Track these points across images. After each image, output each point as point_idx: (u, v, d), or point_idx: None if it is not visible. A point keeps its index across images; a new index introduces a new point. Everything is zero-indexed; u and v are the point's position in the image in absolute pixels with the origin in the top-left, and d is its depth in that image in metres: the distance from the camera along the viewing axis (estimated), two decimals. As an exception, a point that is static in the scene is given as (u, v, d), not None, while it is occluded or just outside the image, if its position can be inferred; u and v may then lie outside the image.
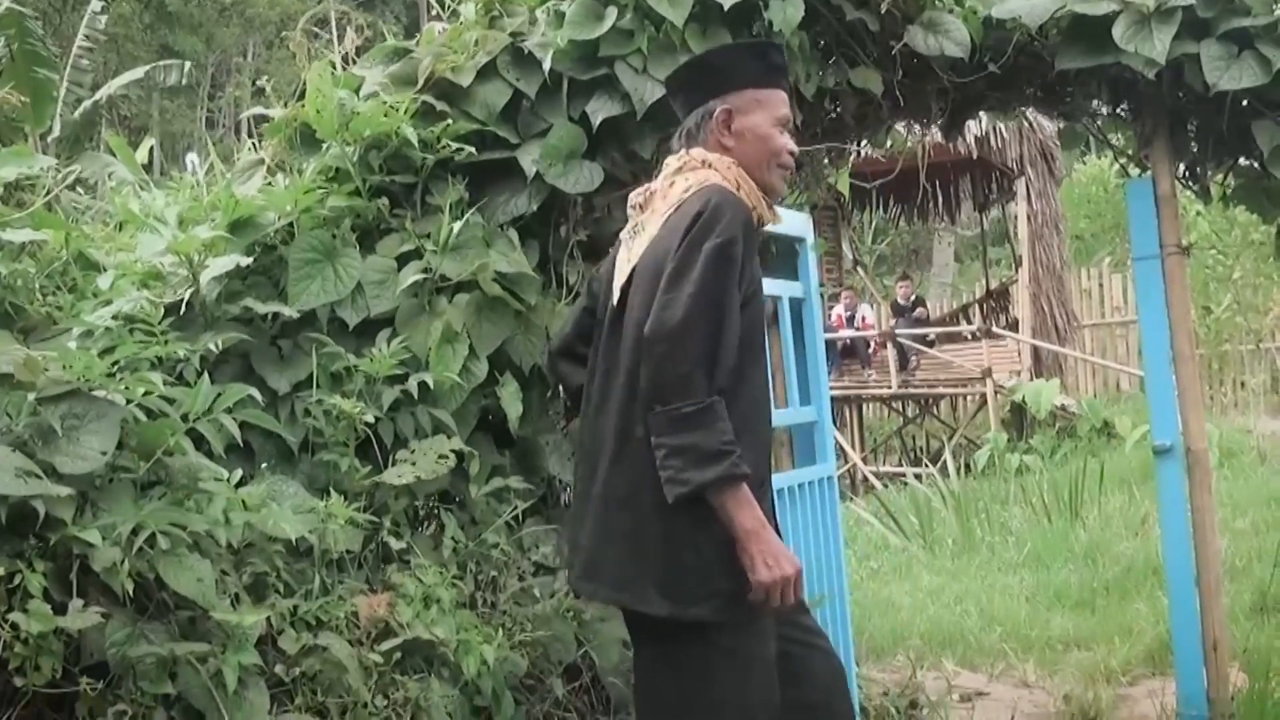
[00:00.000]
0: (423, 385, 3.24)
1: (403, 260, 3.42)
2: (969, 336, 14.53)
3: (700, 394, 2.39)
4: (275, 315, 3.29)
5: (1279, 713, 3.88)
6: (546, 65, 3.54)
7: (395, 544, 3.16)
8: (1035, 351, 13.96)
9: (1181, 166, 4.16)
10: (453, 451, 3.22)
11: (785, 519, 3.60)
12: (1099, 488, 8.71)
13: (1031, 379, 13.19)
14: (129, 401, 2.66)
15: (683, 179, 2.67)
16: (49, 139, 9.81)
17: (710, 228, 2.47)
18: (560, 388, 2.77)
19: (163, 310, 3.02)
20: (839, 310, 15.46)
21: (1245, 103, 3.77)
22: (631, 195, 2.81)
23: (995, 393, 13.16)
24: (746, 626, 2.50)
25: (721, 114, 2.71)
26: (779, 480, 3.59)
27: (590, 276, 2.90)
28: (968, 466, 11.63)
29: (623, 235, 2.79)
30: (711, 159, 2.68)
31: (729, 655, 2.49)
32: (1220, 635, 3.95)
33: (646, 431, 2.45)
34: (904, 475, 11.80)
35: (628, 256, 2.69)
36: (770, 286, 3.79)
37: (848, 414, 15.24)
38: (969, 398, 15.05)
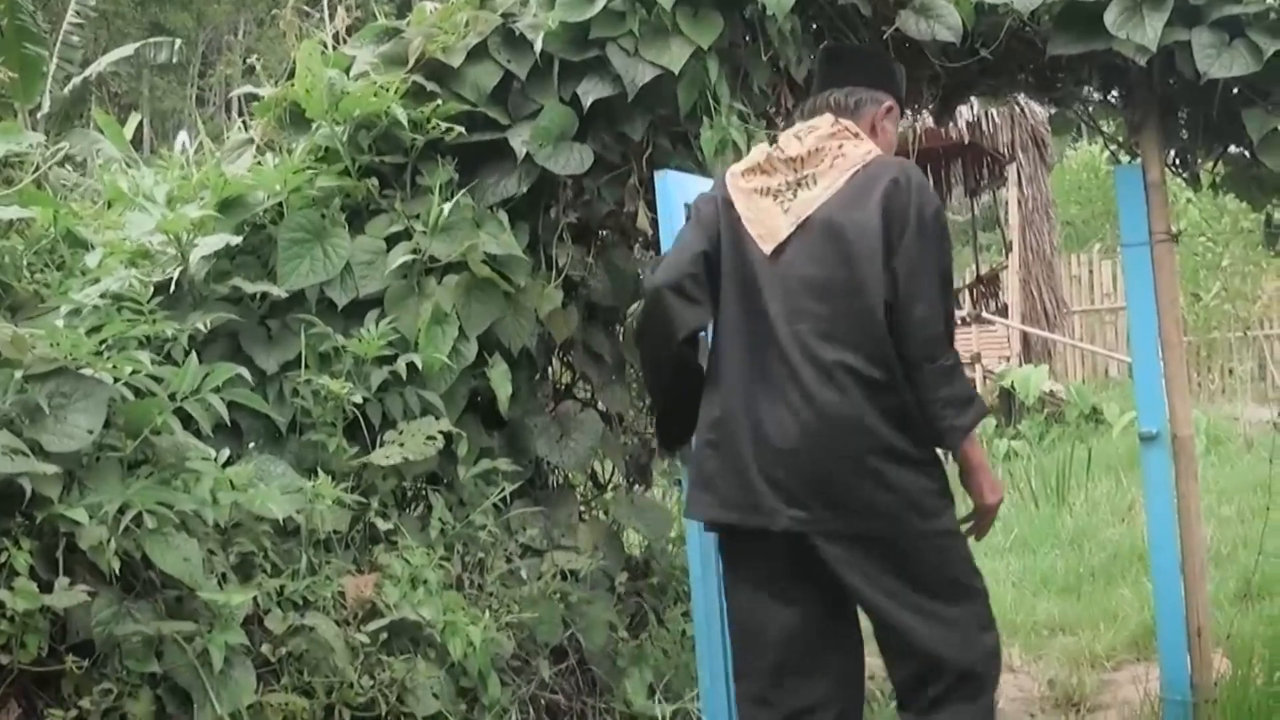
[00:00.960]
0: (411, 366, 3.24)
1: (392, 241, 3.41)
2: (958, 321, 14.55)
3: (950, 349, 2.75)
4: (264, 295, 3.28)
5: (1261, 698, 3.90)
6: (537, 46, 3.53)
7: (382, 525, 3.17)
8: (1024, 337, 13.98)
9: (1172, 153, 4.16)
10: (440, 433, 3.22)
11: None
12: (1086, 474, 8.73)
13: (1020, 364, 13.21)
14: (116, 380, 2.66)
15: (852, 145, 2.87)
16: (38, 115, 9.75)
17: (927, 196, 2.78)
18: (662, 323, 2.86)
19: (151, 289, 3.02)
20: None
21: (1236, 90, 3.77)
22: (771, 150, 2.93)
23: (984, 378, 13.17)
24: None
25: (888, 107, 3.00)
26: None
27: (701, 219, 2.93)
28: (956, 451, 11.59)
29: (758, 186, 2.90)
30: (864, 135, 2.91)
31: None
32: (1204, 621, 3.96)
33: (883, 378, 2.69)
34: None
35: (786, 207, 2.84)
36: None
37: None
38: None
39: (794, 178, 2.89)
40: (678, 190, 3.34)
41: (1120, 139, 4.35)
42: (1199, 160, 4.14)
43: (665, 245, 3.25)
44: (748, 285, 2.84)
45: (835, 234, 2.76)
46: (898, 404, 2.69)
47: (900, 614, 2.74)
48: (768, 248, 2.82)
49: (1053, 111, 4.56)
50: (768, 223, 2.85)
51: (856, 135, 2.89)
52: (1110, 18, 3.61)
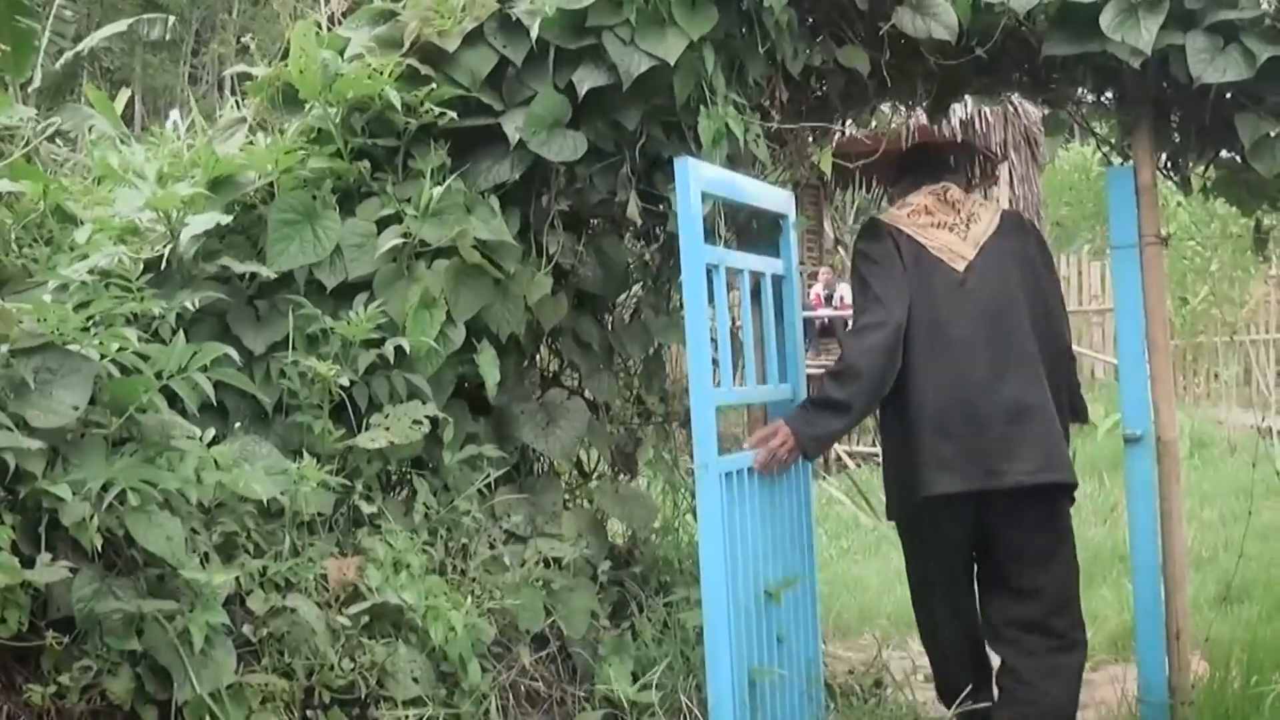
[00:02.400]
0: (399, 350, 3.24)
1: (382, 224, 3.41)
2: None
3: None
4: (253, 275, 3.27)
5: (1238, 701, 3.92)
6: (534, 33, 3.51)
7: (366, 508, 3.17)
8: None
9: (1163, 156, 4.17)
10: (426, 417, 3.22)
11: (758, 496, 3.61)
12: (1070, 474, 8.75)
13: (1007, 364, 13.24)
14: (103, 357, 2.66)
15: (986, 202, 4.16)
16: (29, 89, 9.69)
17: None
18: (895, 349, 3.67)
19: (140, 266, 3.01)
20: (817, 289, 15.42)
21: (1229, 95, 3.78)
22: (929, 201, 3.95)
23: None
24: None
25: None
26: (737, 459, 3.60)
27: (887, 257, 3.80)
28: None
29: (933, 222, 3.89)
30: None
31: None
32: (1183, 624, 3.98)
33: (1064, 372, 3.91)
34: (877, 455, 11.80)
35: (962, 237, 3.85)
36: (752, 262, 3.79)
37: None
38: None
39: (953, 217, 3.89)
40: (697, 177, 3.37)
41: (1113, 141, 4.36)
42: (1190, 164, 4.15)
43: (685, 232, 3.32)
44: (938, 299, 3.72)
45: (1010, 252, 3.82)
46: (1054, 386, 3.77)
47: None
48: (960, 266, 3.78)
49: (1046, 112, 4.56)
50: (953, 248, 3.82)
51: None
52: (1106, 20, 3.62)
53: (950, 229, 3.86)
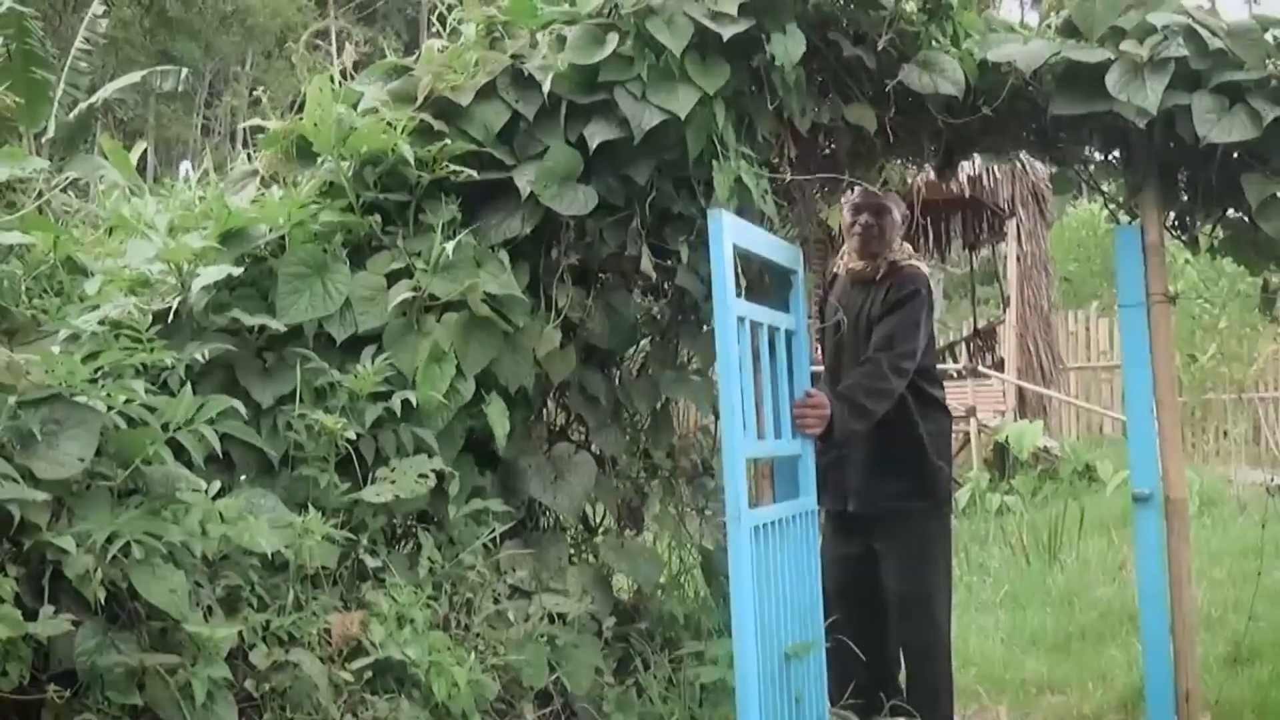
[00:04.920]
0: (406, 404, 3.24)
1: (393, 278, 3.41)
2: (954, 375, 14.53)
3: None
4: (262, 328, 3.28)
5: (1250, 765, 3.88)
6: (546, 87, 3.54)
7: (371, 562, 3.15)
8: (1020, 392, 13.97)
9: (1171, 215, 4.18)
10: (433, 471, 3.21)
11: (767, 553, 3.59)
12: (1078, 531, 8.70)
13: (1015, 419, 13.18)
14: (110, 409, 2.65)
15: None
16: (43, 140, 9.78)
17: None
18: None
19: (150, 317, 3.02)
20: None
21: (1235, 155, 3.80)
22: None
23: (979, 432, 13.15)
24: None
25: None
26: (764, 513, 3.60)
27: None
28: (949, 505, 11.56)
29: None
30: None
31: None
32: (1193, 685, 3.95)
33: None
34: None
35: None
36: (761, 316, 3.79)
37: (831, 447, 15.13)
38: (952, 436, 14.97)
39: None
40: (731, 229, 3.41)
41: (1120, 199, 4.37)
42: (1198, 223, 4.16)
43: (717, 283, 3.35)
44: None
45: None
46: None
47: None
48: None
49: (1054, 170, 4.59)
50: None
51: None
52: (1111, 80, 3.65)
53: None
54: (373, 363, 3.23)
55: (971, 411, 13.12)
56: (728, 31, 3.52)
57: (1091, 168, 4.40)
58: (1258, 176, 3.73)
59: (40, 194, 3.73)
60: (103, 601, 2.46)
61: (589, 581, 3.68)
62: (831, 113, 3.98)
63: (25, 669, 2.37)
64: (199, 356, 3.08)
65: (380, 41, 4.58)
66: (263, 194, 3.65)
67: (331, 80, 3.72)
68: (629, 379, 4.08)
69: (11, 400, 2.57)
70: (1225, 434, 13.01)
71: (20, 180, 3.76)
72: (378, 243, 3.51)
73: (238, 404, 2.86)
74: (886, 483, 4.35)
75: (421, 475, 3.18)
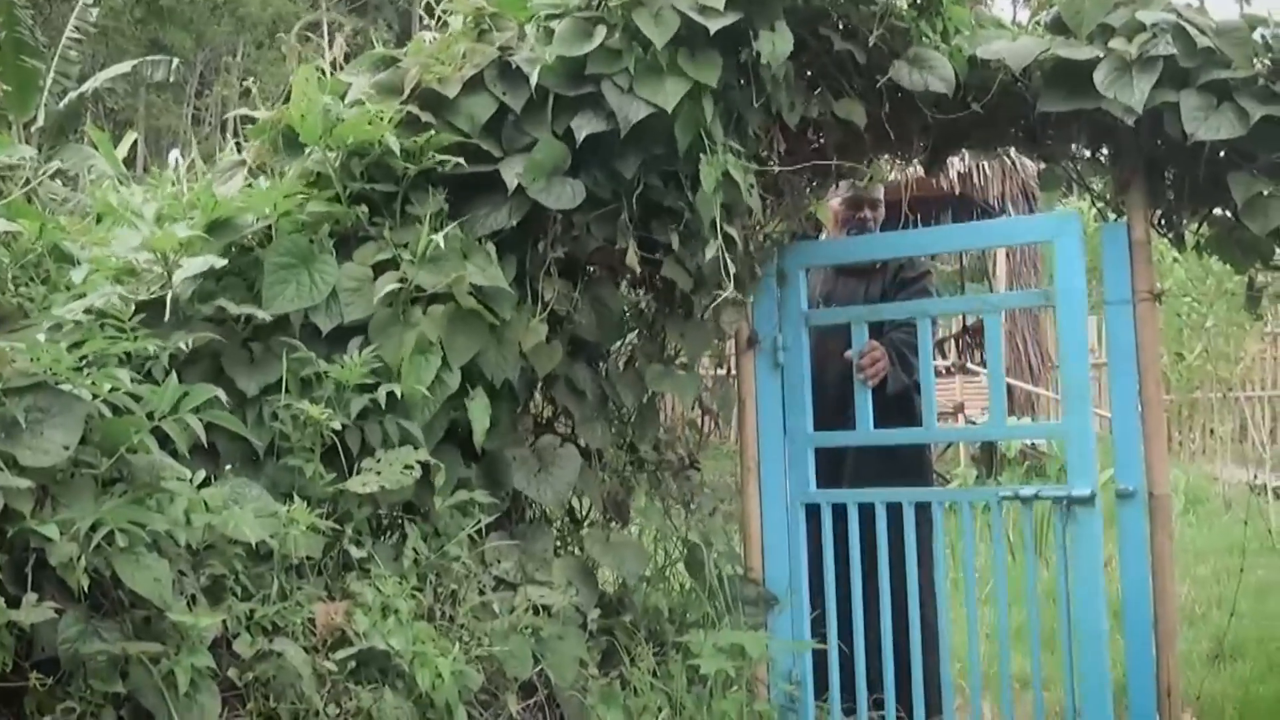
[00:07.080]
0: (391, 395, 3.24)
1: (379, 269, 3.41)
2: (943, 371, 14.56)
3: None
4: (248, 317, 3.28)
5: (1231, 760, 3.90)
6: (533, 80, 3.54)
7: (356, 552, 3.15)
8: (1008, 389, 14.02)
9: (1157, 213, 4.19)
10: (418, 462, 3.21)
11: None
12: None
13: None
14: (95, 397, 2.65)
15: None
16: (32, 129, 9.76)
17: None
18: None
19: (135, 306, 3.01)
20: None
21: (1222, 153, 3.81)
22: None
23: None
24: None
25: None
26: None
27: None
28: (935, 501, 11.55)
29: None
30: None
31: None
32: (1175, 681, 3.96)
33: None
34: (872, 507, 11.72)
35: None
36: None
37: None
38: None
39: None
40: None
41: (1107, 197, 4.38)
42: (1184, 221, 4.17)
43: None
44: None
45: None
46: None
47: None
48: None
49: (1042, 166, 4.60)
50: None
51: None
52: (1100, 77, 3.65)
53: None
54: (359, 353, 3.23)
55: (959, 408, 13.15)
56: (715, 25, 3.50)
57: (1079, 164, 4.40)
58: (1244, 175, 3.74)
59: (28, 182, 3.72)
60: (86, 589, 2.45)
61: (574, 574, 3.68)
62: (820, 107, 3.99)
63: (8, 656, 2.37)
64: (184, 345, 3.07)
65: (371, 32, 4.57)
66: (250, 184, 3.64)
67: (319, 71, 3.72)
68: (615, 372, 4.08)
69: (-5, 388, 2.57)
70: (1212, 432, 13.04)
71: (9, 168, 3.75)
72: (364, 233, 3.51)
73: (222, 393, 2.85)
74: (883, 472, 4.51)
75: (407, 466, 3.18)
